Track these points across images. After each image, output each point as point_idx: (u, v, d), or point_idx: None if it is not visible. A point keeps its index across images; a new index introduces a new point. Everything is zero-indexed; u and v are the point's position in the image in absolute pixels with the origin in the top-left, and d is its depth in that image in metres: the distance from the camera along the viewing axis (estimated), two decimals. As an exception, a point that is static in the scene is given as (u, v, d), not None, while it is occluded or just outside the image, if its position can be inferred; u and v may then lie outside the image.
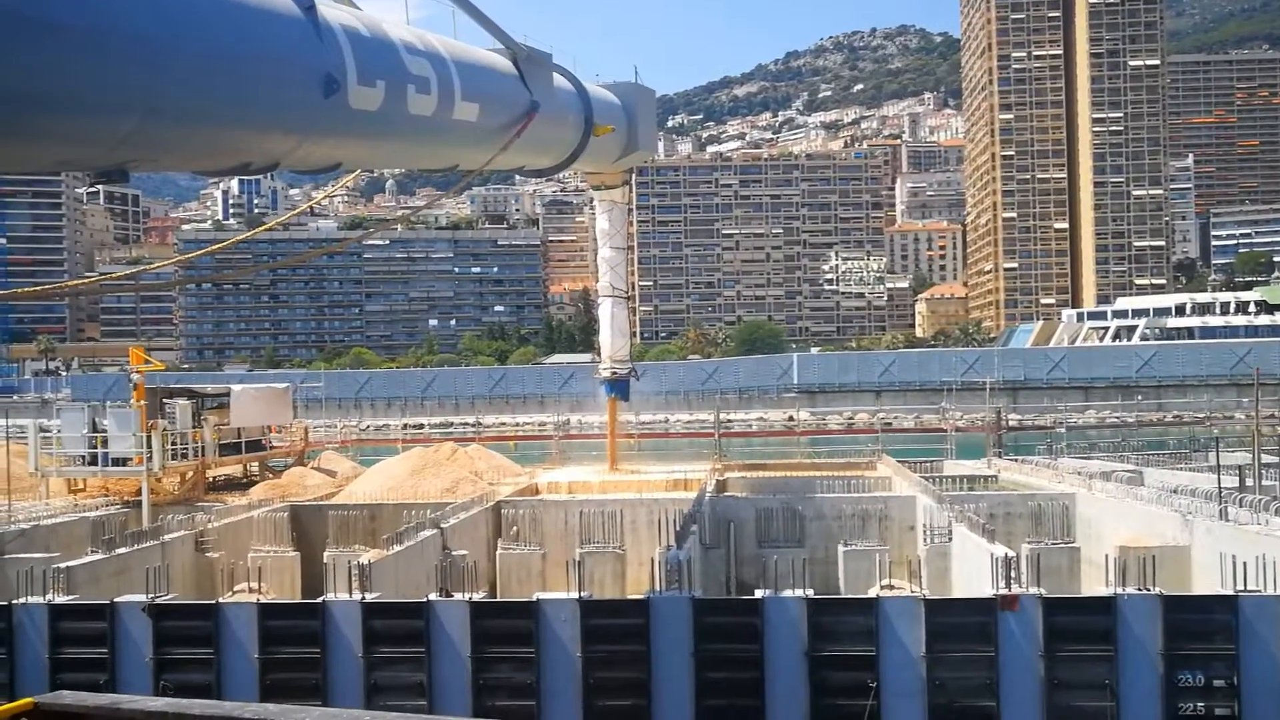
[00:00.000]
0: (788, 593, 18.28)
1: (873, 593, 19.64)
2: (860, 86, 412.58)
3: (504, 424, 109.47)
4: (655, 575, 19.42)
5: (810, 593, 18.41)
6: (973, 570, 21.29)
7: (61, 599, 19.30)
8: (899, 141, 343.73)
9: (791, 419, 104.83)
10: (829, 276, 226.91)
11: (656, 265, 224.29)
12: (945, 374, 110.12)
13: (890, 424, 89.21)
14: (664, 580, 18.87)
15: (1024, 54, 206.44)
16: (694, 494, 29.87)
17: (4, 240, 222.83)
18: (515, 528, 28.19)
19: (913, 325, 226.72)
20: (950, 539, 24.22)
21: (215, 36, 14.99)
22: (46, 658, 18.59)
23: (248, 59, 15.70)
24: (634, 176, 40.10)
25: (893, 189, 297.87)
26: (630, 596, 22.96)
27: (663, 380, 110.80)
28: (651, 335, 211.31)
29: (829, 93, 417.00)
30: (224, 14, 15.31)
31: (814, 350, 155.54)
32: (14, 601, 19.19)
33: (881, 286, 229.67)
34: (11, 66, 11.73)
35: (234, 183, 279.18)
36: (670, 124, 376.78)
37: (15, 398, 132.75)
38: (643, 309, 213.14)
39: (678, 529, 23.55)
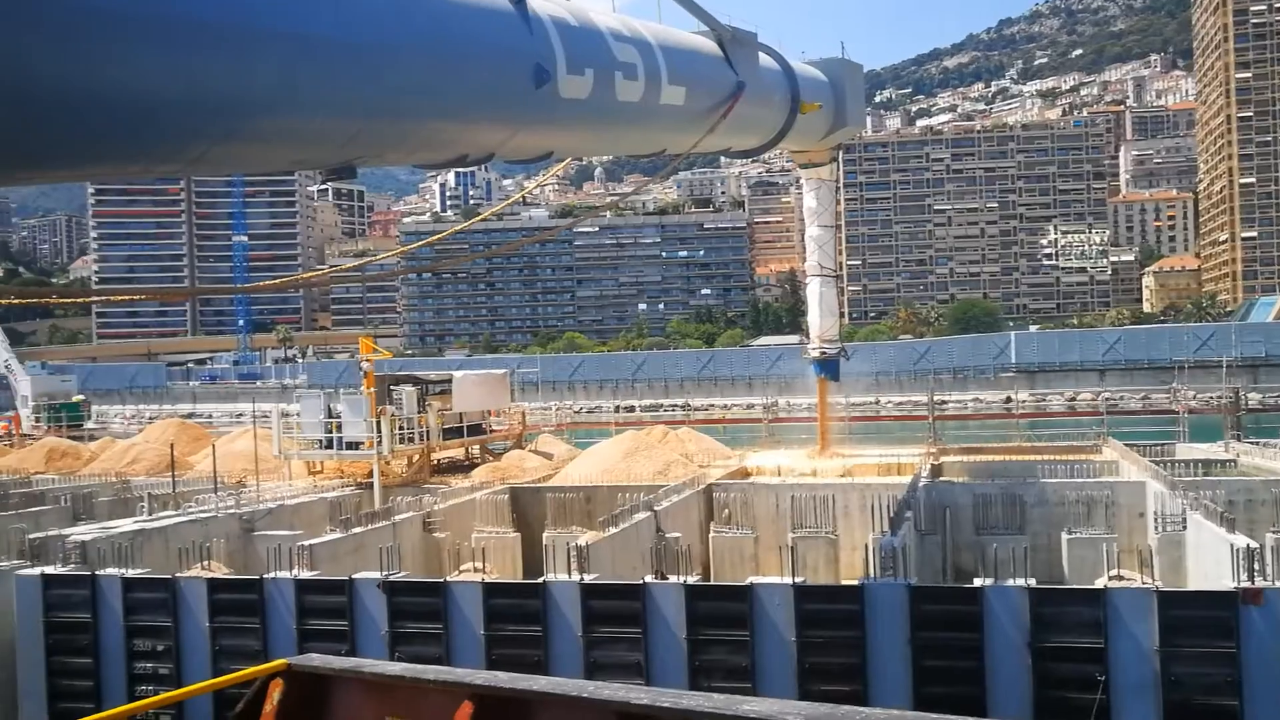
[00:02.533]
0: (1009, 581, 17.74)
1: (1100, 583, 18.83)
2: (1079, 51, 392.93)
3: (713, 406, 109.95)
4: (869, 561, 19.19)
5: (1033, 582, 17.82)
6: (1210, 561, 20.13)
7: (306, 574, 20.61)
8: (1122, 107, 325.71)
9: (1009, 400, 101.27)
10: (1048, 251, 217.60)
11: (865, 243, 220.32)
12: (1176, 351, 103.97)
13: (1116, 405, 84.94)
14: (879, 566, 18.63)
15: (1263, 7, 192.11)
16: (908, 478, 29.30)
17: (246, 237, 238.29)
18: (727, 511, 28.35)
19: (1140, 300, 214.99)
20: (1184, 527, 22.94)
21: (432, 35, 15.61)
22: (294, 628, 19.90)
23: (463, 55, 16.28)
24: (841, 153, 39.46)
25: (1116, 157, 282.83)
26: (844, 582, 22.78)
27: (873, 361, 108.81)
28: (860, 315, 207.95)
29: (1045, 59, 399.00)
30: (440, 13, 15.92)
31: (1033, 328, 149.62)
32: (264, 576, 20.62)
33: (1105, 260, 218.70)
34: (251, 75, 12.54)
35: (450, 175, 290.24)
36: (878, 99, 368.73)
37: (258, 384, 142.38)
38: (851, 288, 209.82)
39: (892, 514, 23.18)
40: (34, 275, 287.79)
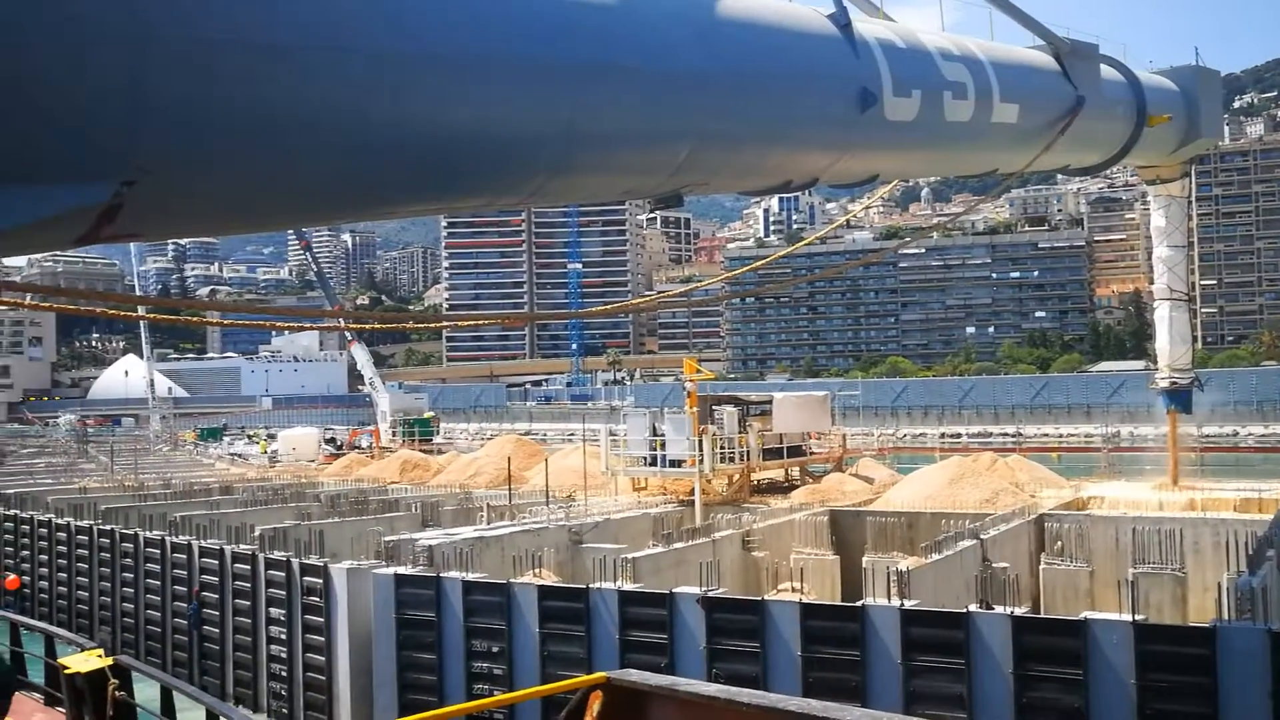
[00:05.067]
0: (1393, 634, 15.80)
1: None
2: None
3: (1046, 434, 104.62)
4: (1223, 602, 17.65)
5: None
6: None
7: (629, 586, 21.31)
8: None
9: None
10: None
11: (1222, 262, 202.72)
12: None
13: None
14: (1234, 608, 17.08)
15: None
16: (1270, 516, 26.71)
17: (580, 265, 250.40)
18: (1060, 542, 26.91)
19: None
20: None
21: (758, 63, 15.85)
22: (616, 638, 20.61)
23: (789, 81, 16.42)
24: (1194, 166, 36.66)
25: None
26: (1192, 624, 21.04)
27: (1231, 389, 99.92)
28: (1216, 339, 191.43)
29: None
30: (767, 40, 16.14)
31: None
32: (590, 585, 21.50)
33: None
34: (586, 109, 13.21)
35: (774, 201, 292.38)
36: (1237, 104, 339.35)
37: (589, 405, 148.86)
38: (1205, 310, 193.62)
39: (1250, 553, 21.21)
40: (394, 303, 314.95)
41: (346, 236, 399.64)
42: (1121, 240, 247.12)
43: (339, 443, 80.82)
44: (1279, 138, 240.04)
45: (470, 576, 22.95)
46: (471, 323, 41.44)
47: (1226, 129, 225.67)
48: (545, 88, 12.62)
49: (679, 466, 34.69)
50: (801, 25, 17.03)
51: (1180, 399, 36.03)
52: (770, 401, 40.08)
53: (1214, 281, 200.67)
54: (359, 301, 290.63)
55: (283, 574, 26.98)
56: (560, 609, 21.51)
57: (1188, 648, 16.83)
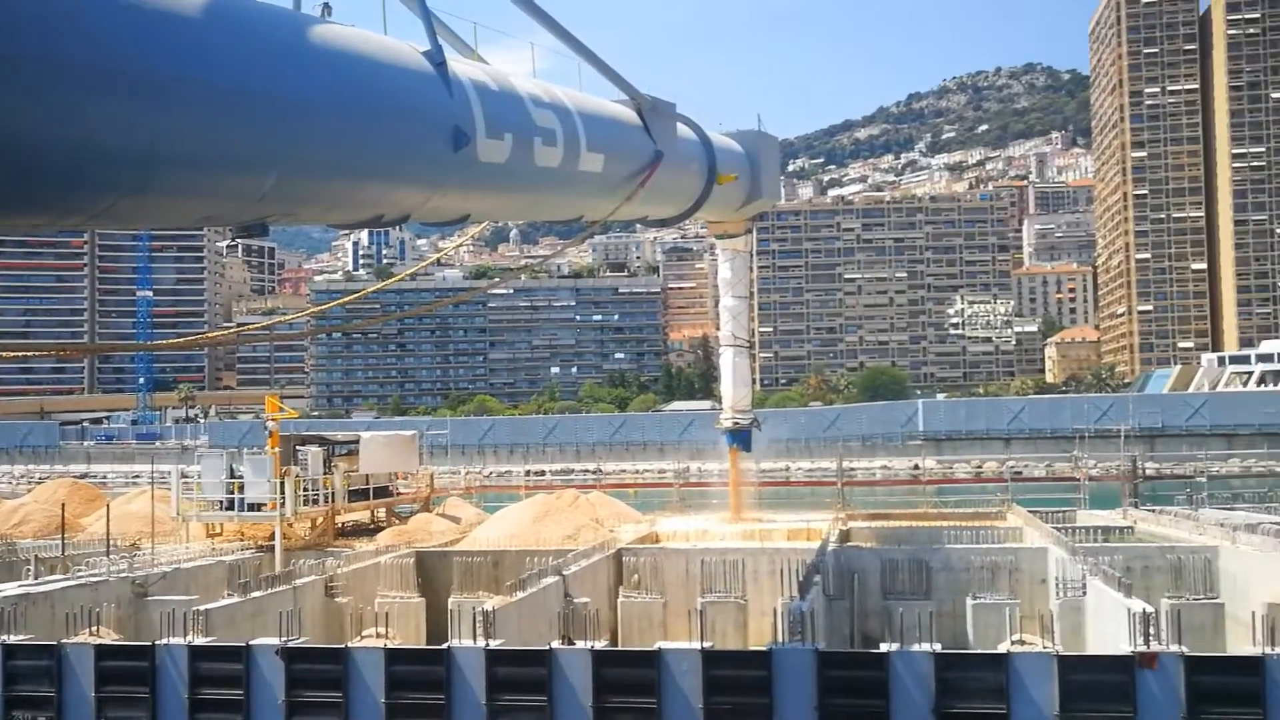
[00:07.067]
0: (915, 646, 17.83)
1: (1003, 648, 19.05)
2: (985, 127, 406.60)
3: (624, 471, 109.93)
4: (778, 626, 19.15)
5: (938, 647, 17.93)
6: (1109, 626, 20.48)
7: (200, 640, 19.87)
8: (1025, 182, 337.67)
9: (917, 467, 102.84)
10: (954, 321, 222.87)
11: (777, 311, 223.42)
12: (1077, 421, 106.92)
13: (1020, 473, 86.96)
14: (787, 631, 18.59)
15: (1157, 89, 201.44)
16: (817, 544, 29.46)
17: (151, 293, 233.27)
18: (636, 575, 28.18)
19: (1042, 370, 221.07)
20: (1084, 593, 23.37)
21: (349, 93, 15.52)
22: (186, 698, 19.14)
23: (380, 115, 16.22)
24: (755, 223, 40.06)
25: (1019, 231, 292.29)
26: (753, 647, 22.70)
27: (783, 427, 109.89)
28: (772, 382, 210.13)
29: (953, 134, 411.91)
30: (357, 71, 15.86)
31: (940, 397, 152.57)
32: (157, 642, 19.85)
33: (1009, 331, 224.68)
34: (162, 126, 12.32)
35: (364, 234, 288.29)
36: (791, 168, 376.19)
37: (158, 444, 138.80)
38: (763, 355, 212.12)
39: (800, 579, 23.22)
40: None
41: None
42: (692, 288, 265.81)
43: None
44: (825, 201, 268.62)
45: (12, 639, 20.47)
46: (20, 355, 36.71)
47: (783, 190, 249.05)
48: (121, 98, 11.63)
49: (258, 510, 32.91)
50: (396, 60, 16.90)
51: (741, 438, 39.00)
52: (357, 441, 39.11)
53: (770, 329, 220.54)
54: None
55: None
56: (121, 669, 19.65)
57: (748, 670, 18.11)
